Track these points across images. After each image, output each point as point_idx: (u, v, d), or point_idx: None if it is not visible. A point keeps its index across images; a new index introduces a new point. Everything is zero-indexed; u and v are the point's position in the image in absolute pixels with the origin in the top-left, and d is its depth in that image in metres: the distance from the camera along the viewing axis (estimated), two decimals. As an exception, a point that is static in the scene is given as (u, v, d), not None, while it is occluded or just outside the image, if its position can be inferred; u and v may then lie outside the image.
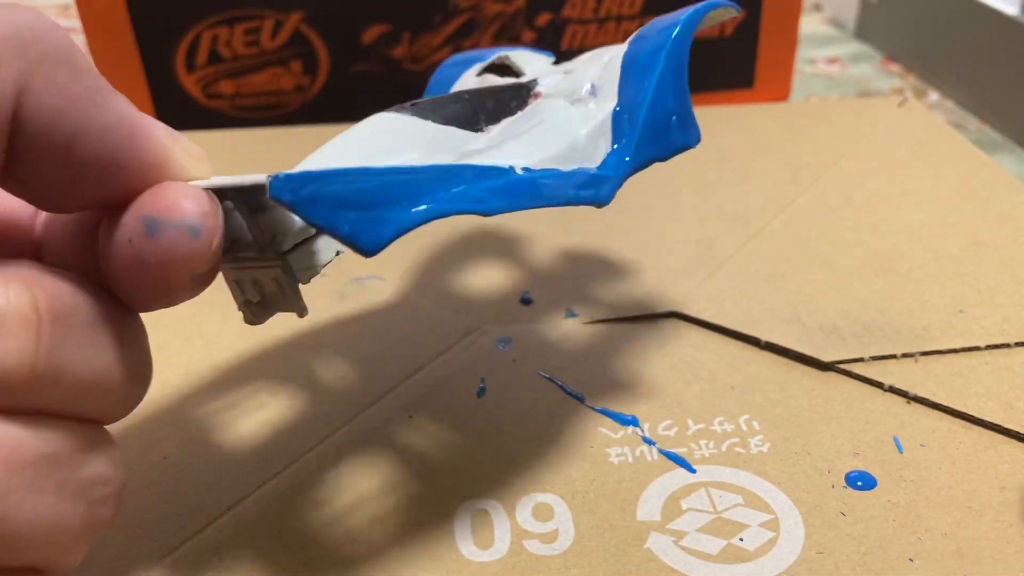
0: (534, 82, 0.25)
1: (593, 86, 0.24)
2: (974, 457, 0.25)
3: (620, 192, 0.21)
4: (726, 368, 0.29)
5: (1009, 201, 0.38)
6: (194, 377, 0.28)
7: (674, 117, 0.23)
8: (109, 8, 0.47)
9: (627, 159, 0.22)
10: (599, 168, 0.22)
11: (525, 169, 0.20)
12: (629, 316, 0.32)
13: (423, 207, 0.18)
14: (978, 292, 0.32)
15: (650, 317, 0.32)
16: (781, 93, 0.53)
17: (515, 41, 0.51)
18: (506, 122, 0.23)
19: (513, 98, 0.24)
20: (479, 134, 0.22)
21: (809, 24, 0.72)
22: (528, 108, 0.24)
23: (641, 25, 0.29)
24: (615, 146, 0.22)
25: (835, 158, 0.43)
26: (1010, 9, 0.52)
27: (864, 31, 0.69)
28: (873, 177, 0.41)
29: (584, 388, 0.28)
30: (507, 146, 0.21)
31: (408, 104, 0.21)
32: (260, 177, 0.16)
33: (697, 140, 0.23)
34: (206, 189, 0.17)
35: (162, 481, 0.25)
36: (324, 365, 0.29)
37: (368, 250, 0.17)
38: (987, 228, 0.36)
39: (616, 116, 0.23)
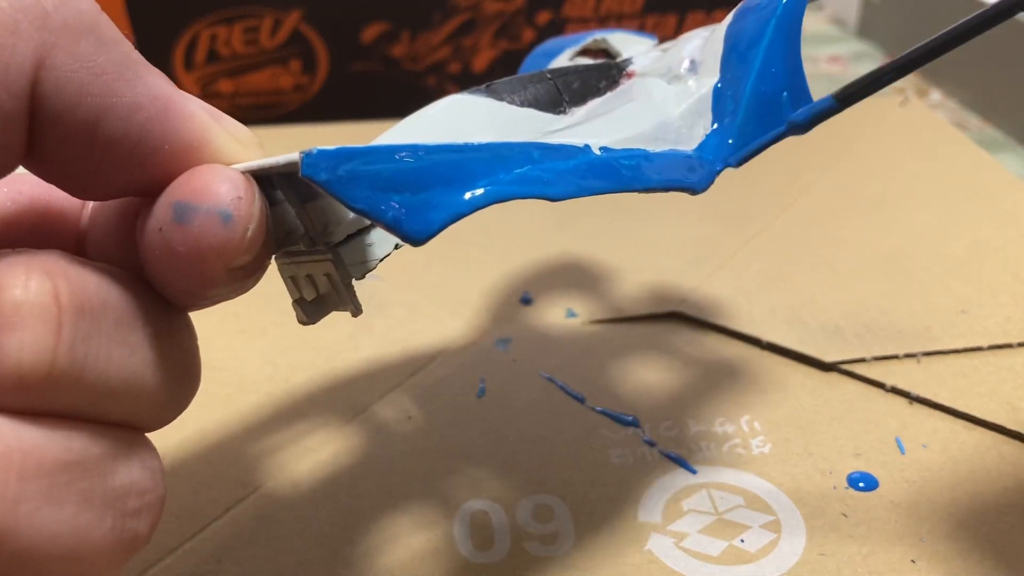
0: (627, 61, 0.22)
1: (693, 62, 0.21)
2: (976, 458, 0.25)
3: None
4: (727, 369, 0.29)
5: (1011, 201, 0.38)
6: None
7: (785, 93, 0.19)
8: (107, 6, 0.47)
9: (729, 141, 0.19)
10: (695, 150, 0.19)
11: (603, 148, 0.18)
12: (629, 316, 0.31)
13: (480, 190, 0.15)
14: (980, 292, 0.32)
15: (651, 317, 0.31)
16: (782, 92, 0.52)
17: (515, 41, 0.51)
18: (593, 103, 0.20)
19: (602, 78, 0.21)
20: (561, 116, 0.20)
21: (811, 23, 0.72)
22: (619, 88, 0.21)
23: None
24: (715, 126, 0.19)
25: (836, 158, 0.43)
26: (1012, 8, 0.52)
27: (866, 30, 0.69)
28: (875, 177, 0.41)
29: (584, 388, 0.28)
30: (587, 125, 0.19)
31: (483, 86, 0.19)
32: (295, 156, 0.14)
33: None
34: (245, 173, 0.15)
35: (160, 482, 0.25)
36: (323, 366, 0.29)
37: (415, 239, 0.15)
38: (989, 228, 0.36)
39: (717, 93, 0.20)
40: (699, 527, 0.23)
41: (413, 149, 0.15)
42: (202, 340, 0.16)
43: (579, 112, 0.20)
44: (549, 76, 0.20)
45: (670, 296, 0.32)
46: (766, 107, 0.19)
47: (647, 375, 0.29)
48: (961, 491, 0.24)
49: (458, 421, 0.27)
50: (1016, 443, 0.25)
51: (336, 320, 0.32)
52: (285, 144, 0.45)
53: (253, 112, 0.51)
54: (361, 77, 0.51)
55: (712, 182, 0.18)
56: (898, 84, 0.60)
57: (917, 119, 0.46)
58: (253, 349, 0.30)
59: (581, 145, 0.17)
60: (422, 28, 0.50)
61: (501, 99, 0.19)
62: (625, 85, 0.21)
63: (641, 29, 0.51)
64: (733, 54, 0.20)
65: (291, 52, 0.50)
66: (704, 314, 0.31)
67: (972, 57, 0.55)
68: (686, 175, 0.18)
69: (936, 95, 0.58)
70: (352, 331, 0.31)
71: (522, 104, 0.19)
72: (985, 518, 0.23)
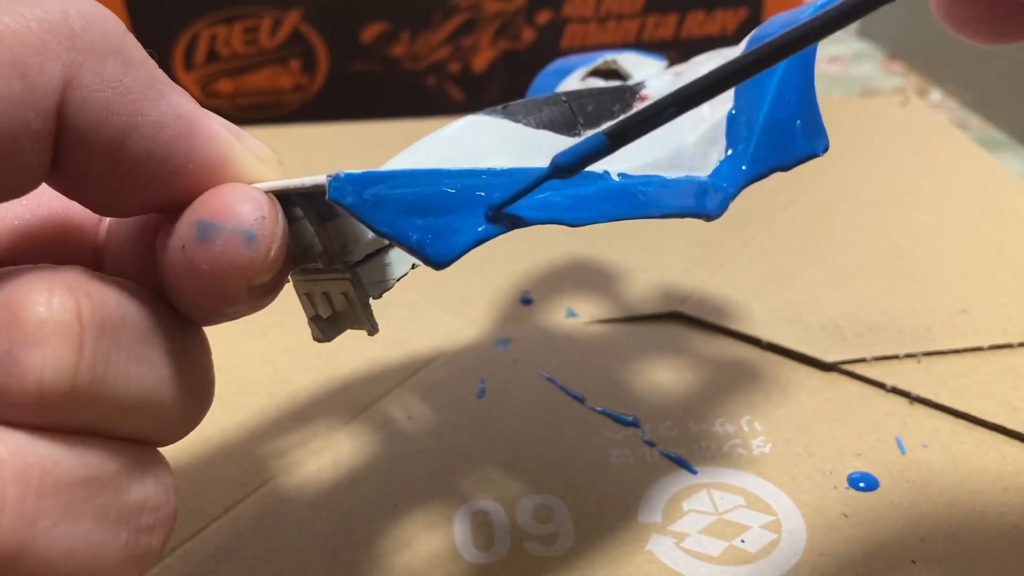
0: (640, 84, 0.23)
1: None
2: (977, 458, 0.25)
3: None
4: (727, 369, 0.29)
5: (1012, 201, 0.38)
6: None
7: (798, 121, 0.20)
8: (107, 5, 0.47)
9: (743, 168, 0.19)
10: (710, 177, 0.19)
11: (621, 175, 0.18)
12: (630, 316, 0.31)
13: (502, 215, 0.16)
14: (981, 292, 0.32)
15: (651, 317, 0.31)
16: (782, 92, 0.52)
17: (515, 41, 0.51)
18: (607, 126, 0.22)
19: (616, 101, 0.22)
20: (576, 139, 0.20)
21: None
22: (632, 112, 0.22)
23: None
24: (729, 153, 0.20)
25: (837, 158, 0.42)
26: (1012, 8, 0.52)
27: (866, 30, 0.69)
28: (875, 177, 0.41)
29: (584, 388, 0.28)
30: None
31: (500, 107, 0.19)
32: (320, 178, 0.15)
33: (825, 148, 0.20)
34: (267, 192, 0.15)
35: (160, 482, 0.24)
36: (324, 366, 0.29)
37: (438, 262, 0.15)
38: (990, 228, 0.36)
39: (731, 120, 0.20)
40: (699, 527, 0.23)
41: (436, 174, 0.16)
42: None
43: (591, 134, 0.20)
44: (564, 99, 0.20)
45: (670, 296, 0.32)
46: (779, 135, 0.19)
47: (647, 375, 0.29)
48: (961, 491, 0.24)
49: (458, 421, 0.27)
50: (1016, 443, 0.25)
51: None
52: (287, 144, 0.45)
53: (253, 112, 0.51)
54: (361, 77, 0.51)
55: (726, 208, 0.19)
56: (898, 83, 0.60)
57: (917, 119, 0.46)
58: (254, 349, 0.30)
59: (600, 171, 0.18)
60: (422, 28, 0.50)
61: (517, 121, 0.19)
62: (637, 109, 0.21)
63: (642, 28, 0.51)
64: (748, 82, 0.20)
65: (291, 52, 0.50)
66: (704, 314, 0.31)
67: (973, 57, 0.55)
68: (702, 201, 0.19)
69: (936, 95, 0.58)
70: (352, 331, 0.31)
71: (537, 126, 0.19)
72: (985, 518, 0.23)
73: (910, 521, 0.23)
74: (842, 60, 0.64)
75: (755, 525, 0.23)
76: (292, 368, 0.29)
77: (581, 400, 0.28)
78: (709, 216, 0.19)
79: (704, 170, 0.19)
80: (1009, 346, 0.29)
